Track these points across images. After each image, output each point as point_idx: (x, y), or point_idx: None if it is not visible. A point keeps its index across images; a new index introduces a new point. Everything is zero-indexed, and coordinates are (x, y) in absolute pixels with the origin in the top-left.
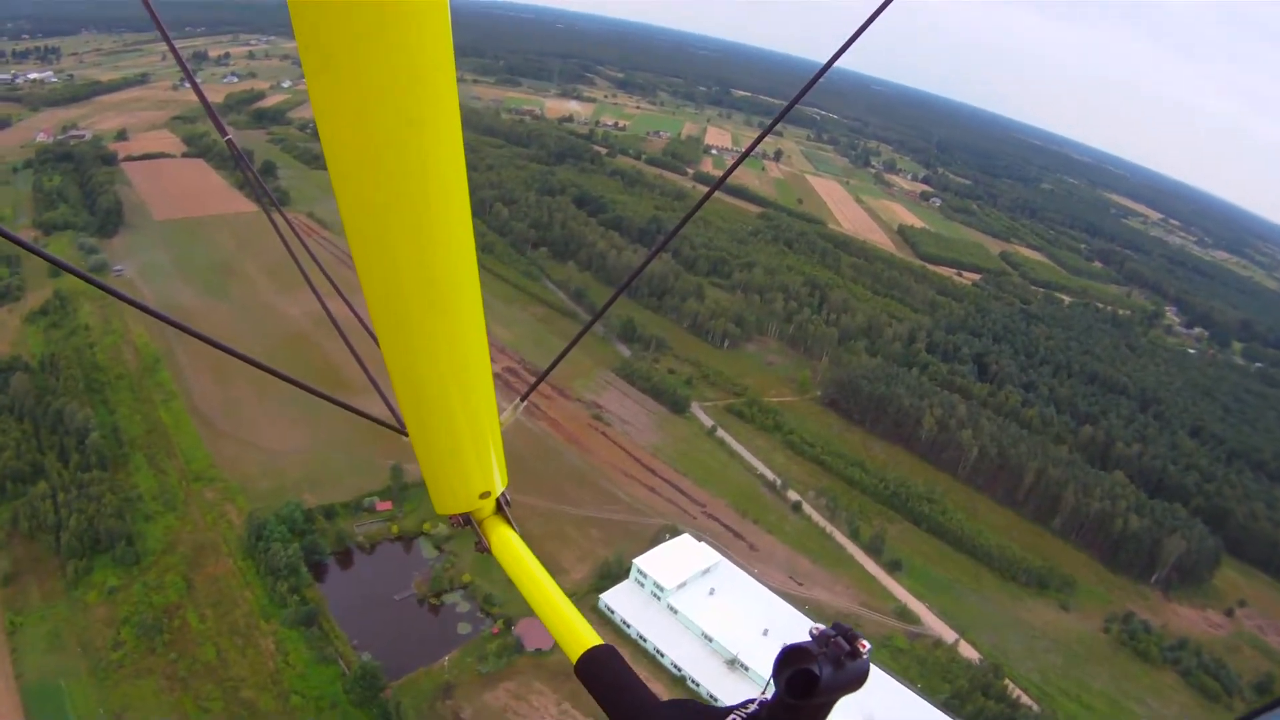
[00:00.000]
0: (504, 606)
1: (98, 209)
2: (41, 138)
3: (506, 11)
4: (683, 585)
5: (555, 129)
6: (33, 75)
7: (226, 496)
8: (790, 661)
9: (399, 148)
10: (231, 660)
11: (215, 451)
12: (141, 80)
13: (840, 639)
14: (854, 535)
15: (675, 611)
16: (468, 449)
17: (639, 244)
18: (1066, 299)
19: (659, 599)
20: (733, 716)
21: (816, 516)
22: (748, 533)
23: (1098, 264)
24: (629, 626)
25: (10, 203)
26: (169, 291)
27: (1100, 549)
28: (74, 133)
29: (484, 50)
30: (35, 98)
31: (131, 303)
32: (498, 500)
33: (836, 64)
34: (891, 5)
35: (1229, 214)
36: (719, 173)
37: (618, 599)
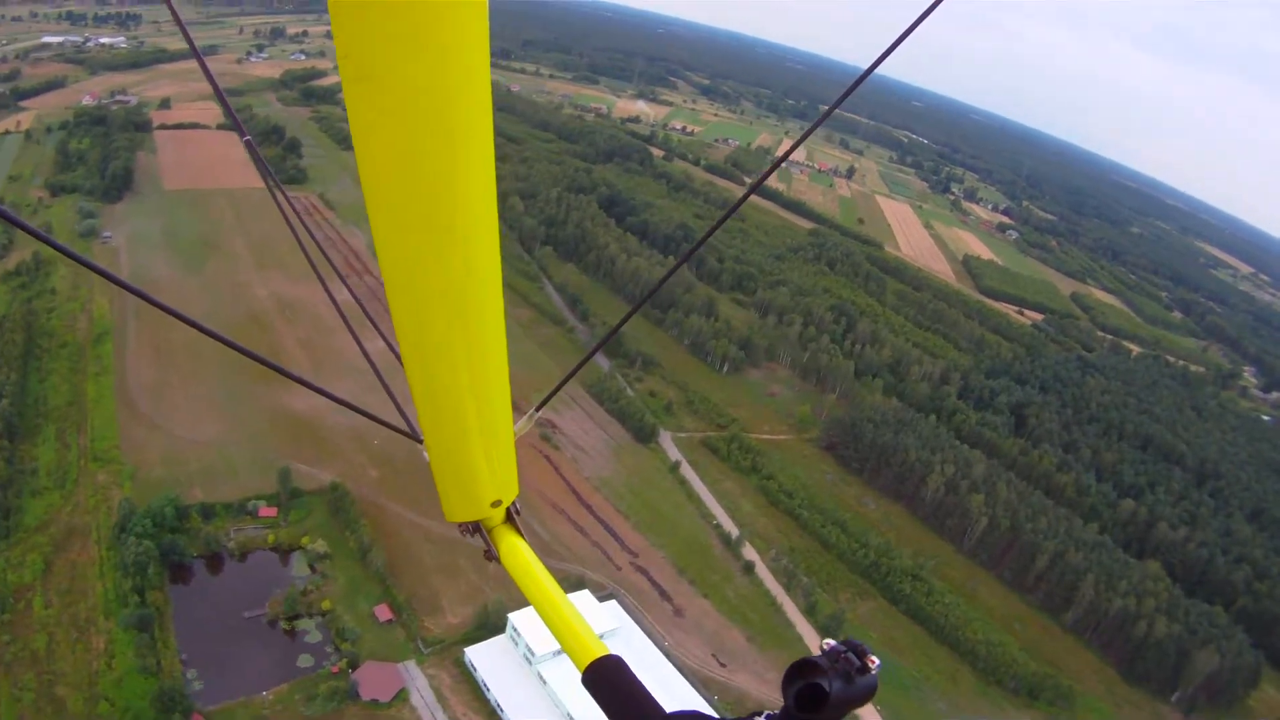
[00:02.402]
0: (357, 644)
1: (108, 174)
2: (87, 100)
3: (607, 13)
4: (561, 651)
5: (614, 128)
6: (104, 39)
7: (116, 481)
8: (799, 675)
9: (432, 158)
10: (59, 653)
11: (125, 433)
12: (210, 51)
13: (850, 654)
14: (809, 610)
15: (544, 682)
16: (482, 458)
17: (660, 251)
18: (1135, 349)
19: (530, 664)
20: None
21: (770, 582)
22: (679, 594)
23: (1177, 314)
24: (488, 690)
25: (34, 162)
26: (144, 261)
27: (1118, 654)
28: (120, 98)
29: (569, 47)
30: (97, 61)
31: (93, 268)
32: (508, 509)
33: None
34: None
35: None
36: (782, 186)
37: (484, 656)
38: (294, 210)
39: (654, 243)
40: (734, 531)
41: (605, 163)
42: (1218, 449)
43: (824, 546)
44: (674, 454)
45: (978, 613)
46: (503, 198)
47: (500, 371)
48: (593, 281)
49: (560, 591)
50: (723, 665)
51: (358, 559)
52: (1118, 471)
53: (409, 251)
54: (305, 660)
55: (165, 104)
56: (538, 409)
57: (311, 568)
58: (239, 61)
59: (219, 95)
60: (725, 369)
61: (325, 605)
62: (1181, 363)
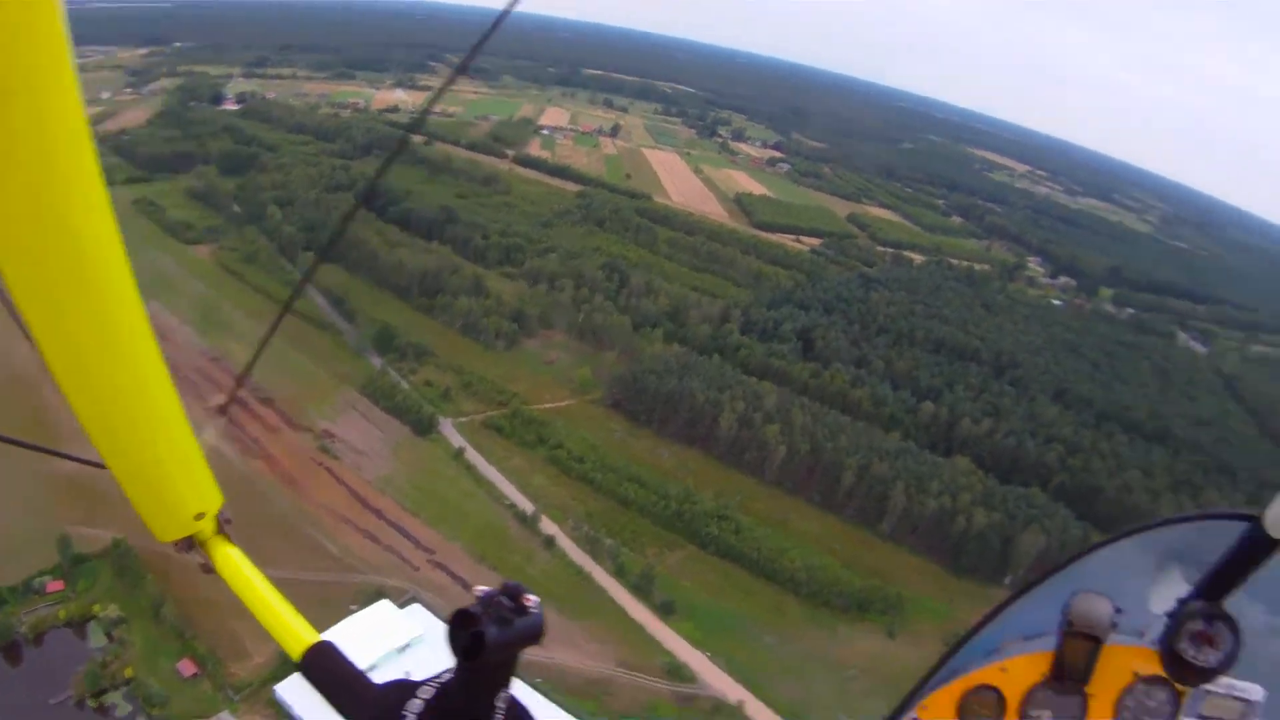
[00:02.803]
0: (167, 707)
1: None
2: None
3: (364, 8)
4: (371, 669)
5: (373, 121)
6: None
7: None
8: (457, 627)
9: (27, 169)
10: None
11: None
12: None
13: (503, 598)
14: (618, 572)
15: None
16: (169, 472)
17: (424, 237)
18: (917, 259)
19: None
20: (426, 686)
21: (574, 552)
22: (482, 582)
23: (956, 219)
24: None
25: None
26: None
27: (941, 553)
28: None
29: (323, 46)
30: None
31: None
32: (217, 520)
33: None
34: None
35: (1098, 163)
36: (546, 153)
37: (294, 690)
38: None
39: (417, 229)
40: (529, 508)
41: (364, 157)
42: (1012, 340)
43: (623, 505)
44: (457, 440)
45: (792, 540)
46: (260, 208)
47: (161, 379)
48: (359, 279)
49: (272, 589)
50: (539, 648)
51: (152, 617)
52: (914, 378)
53: (30, 272)
54: None
55: None
56: (222, 412)
57: (109, 636)
58: None
59: None
60: (501, 345)
61: (128, 673)
62: (965, 264)
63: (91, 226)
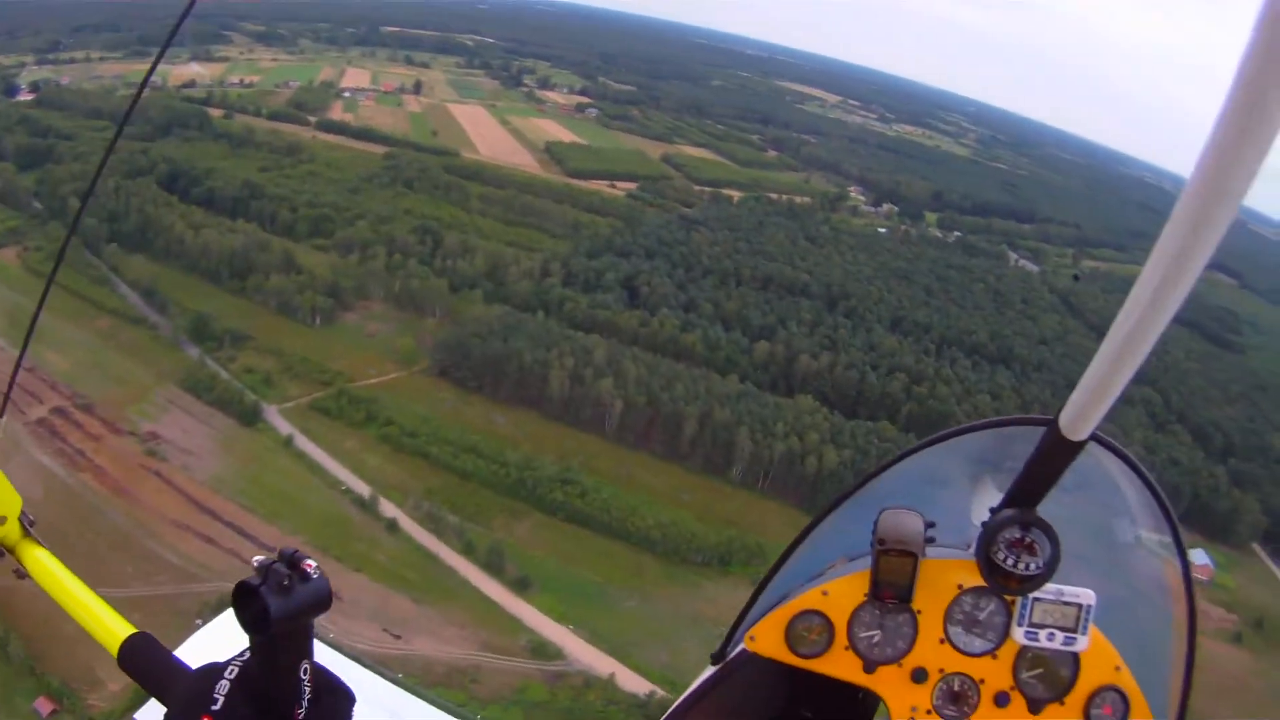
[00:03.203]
0: None
1: None
2: None
3: None
4: None
5: (168, 98)
6: None
7: None
8: (239, 601)
9: None
10: None
11: None
12: None
13: (280, 565)
14: (467, 550)
15: None
16: None
17: (229, 215)
18: (736, 195)
19: None
20: (231, 666)
21: (418, 532)
22: (331, 574)
23: (772, 153)
24: None
25: None
26: None
27: (796, 495)
28: None
29: (116, 25)
30: None
31: None
32: (20, 522)
33: None
34: None
35: (910, 90)
36: (349, 117)
37: (154, 714)
38: None
39: (221, 208)
40: (366, 491)
41: (163, 138)
42: (841, 271)
43: (463, 478)
44: (285, 428)
45: (642, 497)
46: (61, 202)
47: None
48: (167, 268)
49: (82, 585)
50: (397, 637)
51: (1, 656)
52: (744, 318)
53: None
54: None
55: None
56: None
57: None
58: None
59: None
60: (318, 322)
61: None
62: (786, 197)
63: None
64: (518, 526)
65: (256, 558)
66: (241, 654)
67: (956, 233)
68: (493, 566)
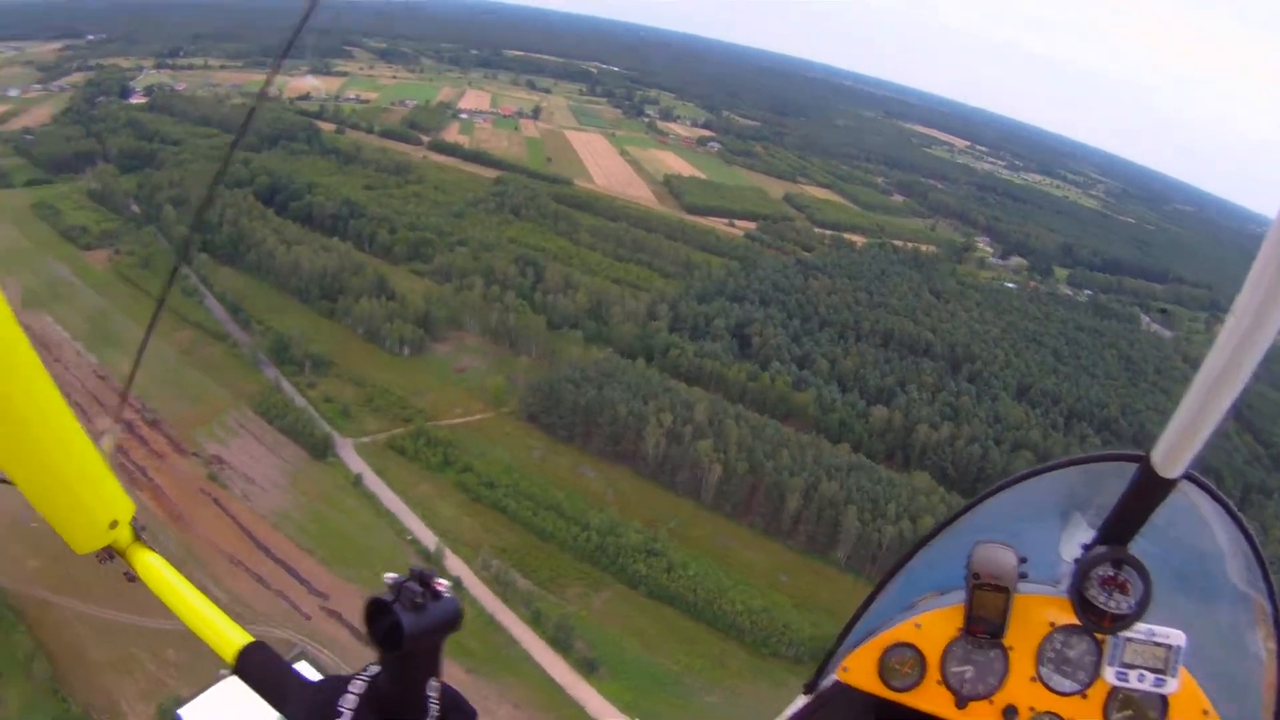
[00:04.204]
0: None
1: None
2: None
3: None
4: None
5: (281, 110)
6: None
7: None
8: (372, 617)
9: None
10: None
11: None
12: None
13: (413, 583)
14: (535, 620)
15: None
16: (74, 484)
17: (326, 232)
18: (859, 240)
19: None
20: (357, 680)
21: (484, 594)
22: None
23: (897, 198)
24: None
25: None
26: None
27: None
28: None
29: (238, 34)
30: None
31: None
32: (132, 527)
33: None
34: None
35: (1036, 137)
36: (464, 138)
37: None
38: None
39: (319, 225)
40: (434, 543)
41: (269, 149)
42: (966, 330)
43: (541, 538)
44: (356, 464)
45: (735, 576)
46: (158, 208)
47: (47, 391)
48: (257, 282)
49: (196, 592)
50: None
51: (25, 673)
52: (861, 377)
53: None
54: None
55: None
56: (116, 420)
57: None
58: None
59: None
60: (406, 351)
61: None
62: (911, 245)
63: None
64: (594, 598)
65: (389, 575)
66: (366, 669)
67: (1087, 291)
68: (560, 642)
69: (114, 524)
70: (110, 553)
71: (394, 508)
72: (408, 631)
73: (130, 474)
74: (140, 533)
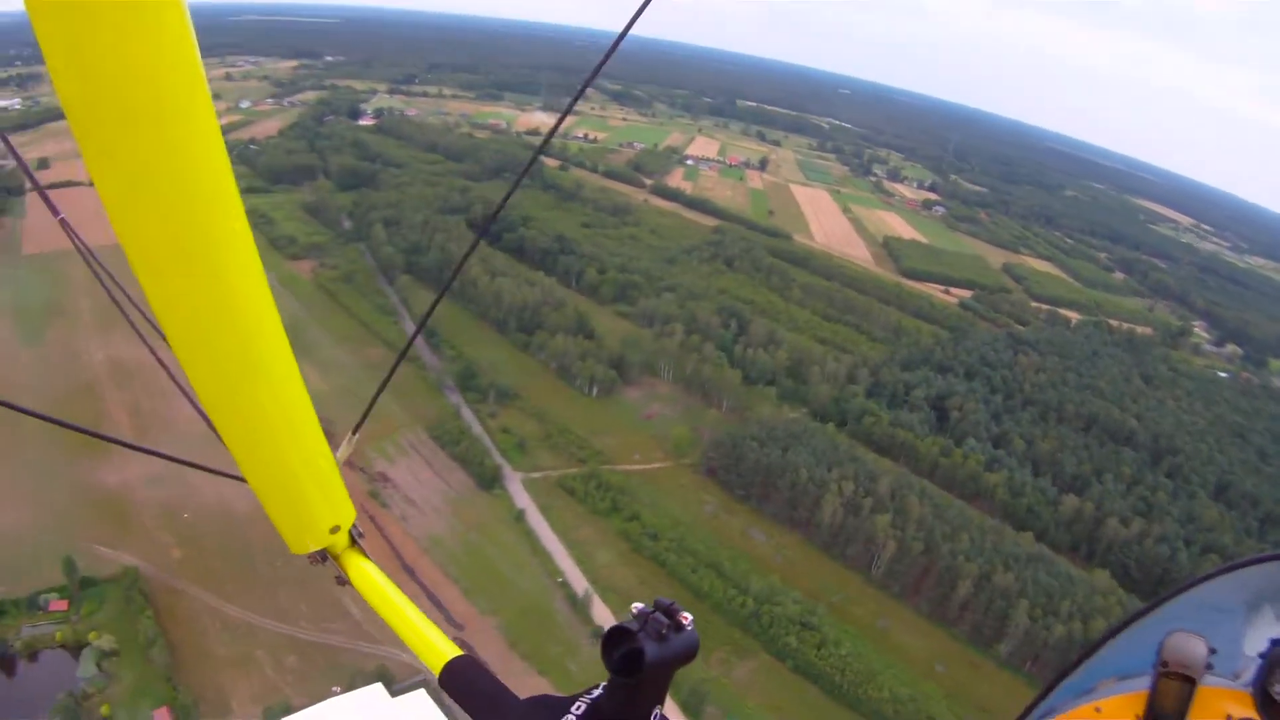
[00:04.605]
0: None
1: None
2: None
3: (520, 30)
4: None
5: (509, 143)
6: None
7: None
8: (613, 642)
9: (153, 150)
10: None
11: None
12: None
13: (659, 614)
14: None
15: None
16: (306, 487)
17: (536, 266)
18: (1074, 317)
19: None
20: (578, 703)
21: None
22: (509, 674)
23: (1118, 275)
24: None
25: None
26: None
27: None
28: None
29: (473, 66)
30: None
31: None
32: (350, 533)
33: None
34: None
35: (1267, 219)
36: (687, 185)
37: None
38: (105, 270)
39: (528, 258)
40: (582, 589)
41: (490, 179)
42: (1172, 420)
43: (696, 597)
44: (522, 499)
45: (889, 658)
46: (367, 227)
47: (300, 395)
48: (457, 308)
49: (409, 603)
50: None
51: (144, 655)
52: (1057, 461)
53: (173, 295)
54: None
55: (43, 164)
56: (355, 431)
57: (99, 667)
58: None
59: (24, 169)
60: (595, 392)
61: (105, 711)
62: (1126, 326)
63: (229, 243)
64: (737, 666)
65: (636, 605)
66: (588, 692)
67: None
68: (690, 707)
69: (335, 529)
70: (324, 555)
71: (551, 547)
72: (649, 659)
73: None
74: (358, 539)
